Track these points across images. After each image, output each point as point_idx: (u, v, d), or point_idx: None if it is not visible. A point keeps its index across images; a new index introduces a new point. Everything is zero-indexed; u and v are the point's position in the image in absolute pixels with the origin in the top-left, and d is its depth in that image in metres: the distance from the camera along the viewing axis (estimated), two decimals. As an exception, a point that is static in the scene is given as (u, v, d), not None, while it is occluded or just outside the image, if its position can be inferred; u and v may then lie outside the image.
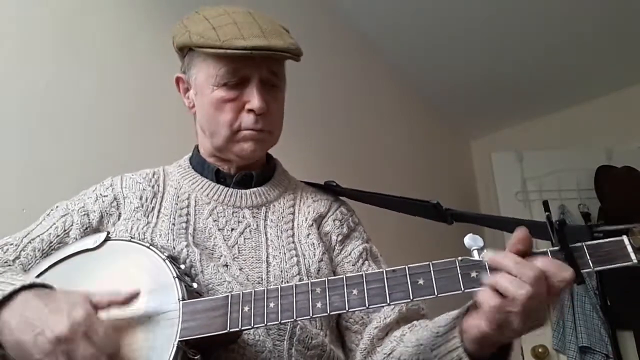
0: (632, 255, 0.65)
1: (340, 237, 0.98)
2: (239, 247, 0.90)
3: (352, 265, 0.95)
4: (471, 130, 3.70)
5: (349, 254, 0.96)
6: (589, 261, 0.66)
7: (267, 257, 0.89)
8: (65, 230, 0.90)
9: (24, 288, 0.69)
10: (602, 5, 2.63)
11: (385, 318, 0.87)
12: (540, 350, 2.69)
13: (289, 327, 0.81)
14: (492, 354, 0.70)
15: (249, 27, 0.90)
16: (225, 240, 0.91)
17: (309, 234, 0.95)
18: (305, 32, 2.38)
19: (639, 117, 3.12)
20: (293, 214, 0.98)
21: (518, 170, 3.03)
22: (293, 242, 0.93)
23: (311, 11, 2.43)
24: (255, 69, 0.91)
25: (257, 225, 0.94)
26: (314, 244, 0.93)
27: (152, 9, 1.68)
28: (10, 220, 1.21)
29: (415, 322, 0.87)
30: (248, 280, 0.85)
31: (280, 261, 0.89)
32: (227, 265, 0.87)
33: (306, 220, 0.97)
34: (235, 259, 0.88)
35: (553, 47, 2.90)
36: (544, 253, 0.67)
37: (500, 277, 0.64)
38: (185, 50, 0.96)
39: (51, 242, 0.88)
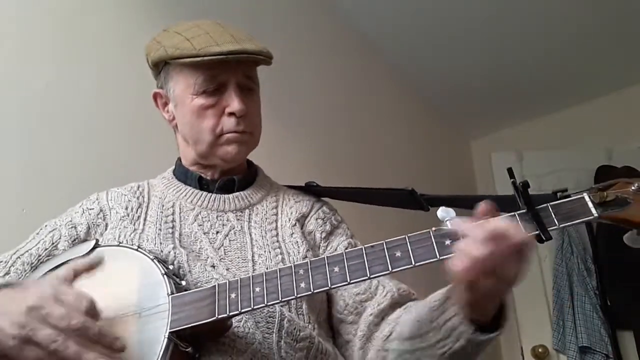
0: (593, 210, 0.69)
1: (324, 234, 1.00)
2: (224, 249, 0.92)
3: None
4: (471, 130, 3.70)
5: (335, 250, 0.98)
6: (554, 219, 0.70)
7: (253, 256, 0.91)
8: (53, 244, 0.91)
9: None
10: (602, 5, 2.63)
11: (378, 304, 0.89)
12: (540, 350, 2.70)
13: (277, 320, 0.82)
14: (486, 323, 0.72)
15: (220, 35, 0.94)
16: (211, 243, 0.92)
17: (293, 233, 0.96)
18: (305, 32, 2.39)
19: (639, 117, 3.12)
20: (276, 214, 1.00)
21: (518, 170, 3.03)
22: (277, 241, 0.95)
23: (311, 11, 2.43)
24: (232, 74, 0.95)
25: (241, 227, 0.96)
26: (297, 242, 0.95)
27: (152, 9, 1.69)
28: (10, 220, 1.21)
29: (409, 303, 0.89)
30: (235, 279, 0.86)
31: (266, 259, 0.90)
32: (214, 266, 0.88)
33: (289, 220, 0.99)
34: (222, 260, 0.90)
35: (553, 47, 2.90)
36: (513, 217, 0.70)
37: (461, 241, 0.67)
38: (161, 65, 1.00)
39: (40, 256, 0.89)
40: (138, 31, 1.63)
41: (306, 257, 0.93)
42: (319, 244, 0.98)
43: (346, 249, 0.98)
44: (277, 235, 0.96)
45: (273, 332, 0.82)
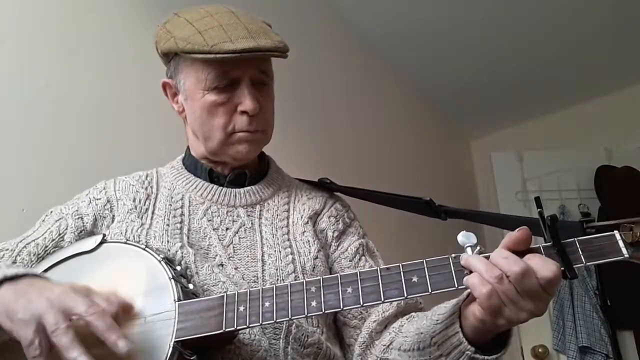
0: (624, 250, 0.65)
1: (336, 234, 0.98)
2: (234, 247, 0.90)
3: (349, 261, 0.95)
4: (471, 130, 3.70)
5: (346, 250, 0.97)
6: (581, 256, 0.66)
7: (263, 255, 0.90)
8: (60, 234, 0.90)
9: (26, 276, 0.70)
10: (602, 5, 2.63)
11: (384, 312, 0.88)
12: (540, 350, 2.70)
13: (284, 326, 0.81)
14: (491, 341, 0.70)
15: (234, 28, 0.88)
16: (220, 240, 0.91)
17: (304, 231, 0.95)
18: (305, 31, 2.39)
19: (639, 117, 3.12)
20: (288, 211, 0.98)
21: (518, 170, 3.03)
22: (288, 239, 0.93)
23: (311, 11, 2.43)
24: (245, 70, 0.90)
25: (251, 224, 0.94)
26: (309, 241, 0.93)
27: (153, 8, 1.68)
28: (10, 220, 1.21)
29: (413, 313, 0.87)
30: (243, 280, 0.85)
31: (276, 259, 0.89)
32: (222, 265, 0.87)
33: (301, 217, 0.97)
34: (231, 259, 0.88)
35: (553, 47, 2.90)
36: (537, 249, 0.68)
37: (491, 264, 0.65)
38: (171, 55, 0.95)
39: (46, 247, 0.88)
40: (138, 31, 1.64)
41: (317, 257, 0.91)
42: (330, 242, 0.97)
43: (357, 249, 0.97)
44: (288, 233, 0.94)
45: (280, 337, 0.81)
